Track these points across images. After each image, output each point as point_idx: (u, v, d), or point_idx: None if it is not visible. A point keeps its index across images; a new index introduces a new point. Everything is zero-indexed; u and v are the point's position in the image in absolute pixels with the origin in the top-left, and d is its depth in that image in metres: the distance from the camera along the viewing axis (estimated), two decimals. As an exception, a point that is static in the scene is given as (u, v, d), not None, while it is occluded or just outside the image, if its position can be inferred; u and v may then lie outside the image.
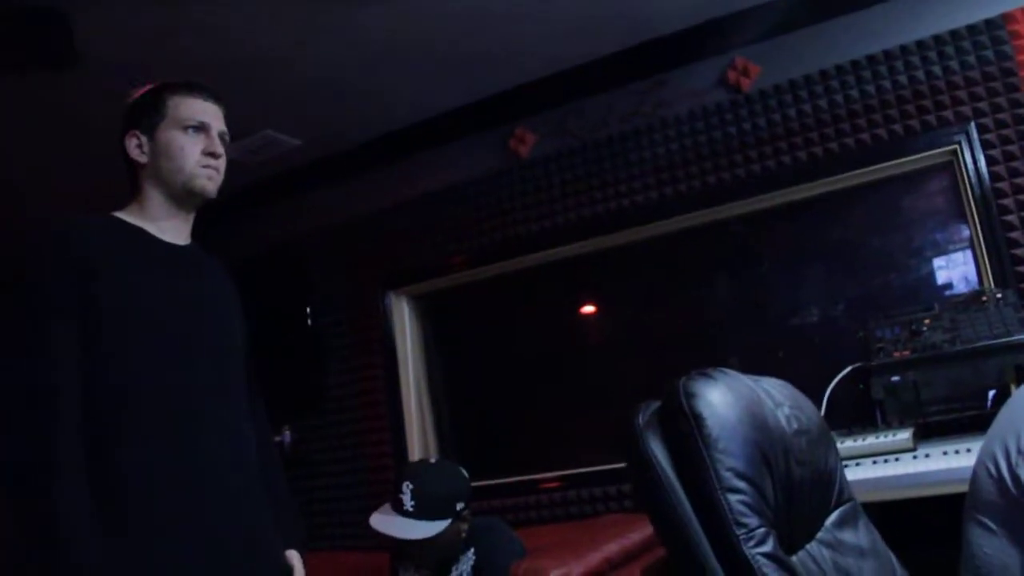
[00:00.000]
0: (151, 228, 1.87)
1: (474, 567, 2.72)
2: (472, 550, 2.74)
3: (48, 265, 1.71)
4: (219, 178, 1.89)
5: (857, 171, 3.06)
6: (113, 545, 1.59)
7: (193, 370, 1.80)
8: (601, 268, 3.65)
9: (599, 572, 2.62)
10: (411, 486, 2.59)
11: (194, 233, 1.97)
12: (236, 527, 1.77)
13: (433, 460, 2.95)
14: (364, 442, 3.94)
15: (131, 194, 1.90)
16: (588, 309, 3.82)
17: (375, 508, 2.67)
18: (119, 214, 1.88)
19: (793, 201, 3.21)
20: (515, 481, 3.60)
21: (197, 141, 1.85)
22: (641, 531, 2.90)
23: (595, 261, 3.61)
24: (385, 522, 2.60)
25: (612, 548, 2.74)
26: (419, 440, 3.88)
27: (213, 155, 1.86)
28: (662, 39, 3.34)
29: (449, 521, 2.58)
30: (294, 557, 1.96)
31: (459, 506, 2.62)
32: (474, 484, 3.62)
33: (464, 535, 2.68)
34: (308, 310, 4.14)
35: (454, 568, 2.76)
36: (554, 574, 2.49)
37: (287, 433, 3.99)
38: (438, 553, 2.65)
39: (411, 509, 2.56)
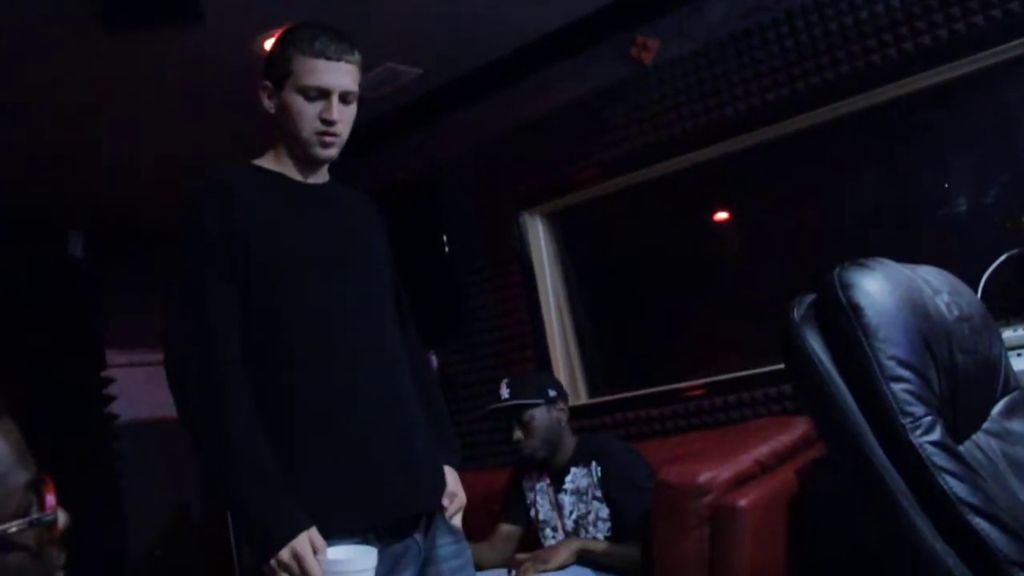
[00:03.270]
0: (288, 173, 1.93)
1: (601, 479, 2.88)
2: (595, 463, 2.91)
3: (202, 211, 1.79)
4: (338, 141, 1.89)
5: (1004, 46, 2.84)
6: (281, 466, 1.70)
7: (341, 297, 1.87)
8: (734, 172, 3.54)
9: (750, 474, 2.61)
10: (506, 381, 3.01)
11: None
12: (394, 444, 1.84)
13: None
14: (508, 361, 4.01)
15: (269, 141, 1.96)
16: (723, 215, 3.75)
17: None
18: (257, 162, 1.94)
19: (935, 84, 3.02)
20: (659, 391, 3.60)
21: (315, 107, 1.84)
22: (791, 433, 2.88)
23: (727, 165, 3.51)
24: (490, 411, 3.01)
25: (763, 451, 2.72)
26: (562, 356, 3.92)
27: (329, 122, 1.85)
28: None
29: (543, 401, 2.93)
30: (450, 474, 2.01)
31: (551, 392, 2.99)
32: (618, 396, 3.70)
33: (565, 423, 2.98)
34: (444, 237, 4.21)
35: (568, 480, 2.94)
36: (703, 476, 2.51)
37: (433, 357, 4.11)
38: (543, 435, 2.93)
39: (507, 396, 2.96)
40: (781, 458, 2.75)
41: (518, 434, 2.93)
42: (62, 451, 4.25)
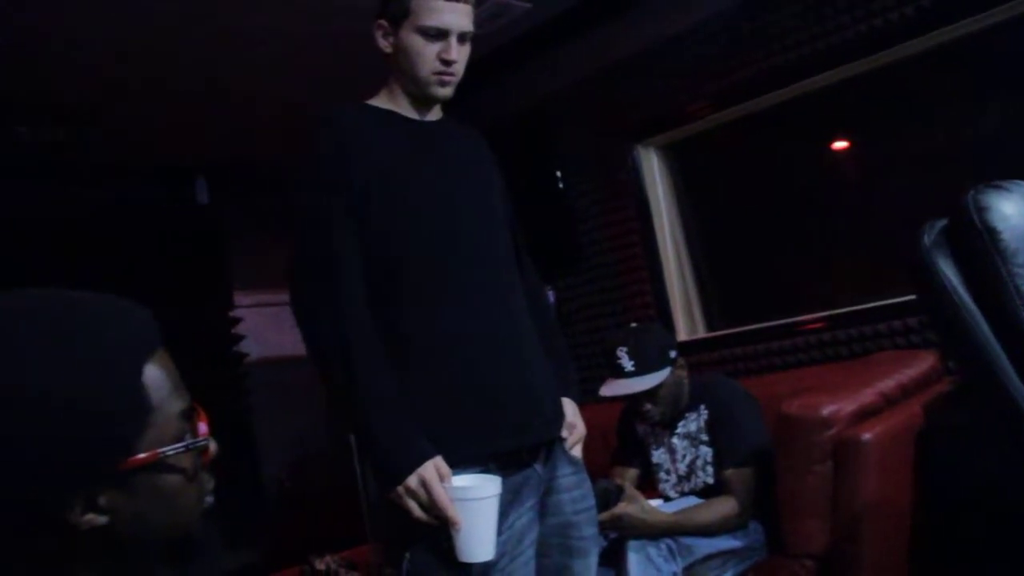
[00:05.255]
0: (402, 111, 1.95)
1: (708, 421, 2.82)
2: (703, 406, 2.85)
3: (317, 147, 1.84)
4: (455, 80, 1.91)
5: None
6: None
7: (457, 234, 1.88)
8: (854, 97, 3.39)
9: (875, 408, 2.56)
10: (625, 349, 2.78)
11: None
12: (513, 375, 1.86)
13: (633, 325, 3.11)
14: (624, 295, 4.01)
15: (383, 79, 1.98)
16: (842, 143, 3.62)
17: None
18: (371, 101, 1.97)
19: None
20: (778, 324, 3.53)
21: (434, 47, 1.86)
22: (918, 367, 2.80)
23: (847, 91, 3.36)
24: (615, 388, 2.81)
25: (888, 384, 2.66)
26: (679, 290, 3.89)
27: (448, 63, 1.87)
28: None
29: (669, 369, 2.76)
30: (569, 405, 2.02)
31: (672, 353, 2.82)
32: (736, 330, 3.66)
33: (686, 380, 2.86)
34: (558, 172, 4.20)
35: (681, 424, 2.88)
36: (827, 409, 2.48)
37: (550, 294, 4.14)
38: (669, 401, 2.82)
39: (632, 369, 2.76)
40: (907, 392, 2.68)
41: (647, 405, 2.80)
42: (196, 388, 4.47)
